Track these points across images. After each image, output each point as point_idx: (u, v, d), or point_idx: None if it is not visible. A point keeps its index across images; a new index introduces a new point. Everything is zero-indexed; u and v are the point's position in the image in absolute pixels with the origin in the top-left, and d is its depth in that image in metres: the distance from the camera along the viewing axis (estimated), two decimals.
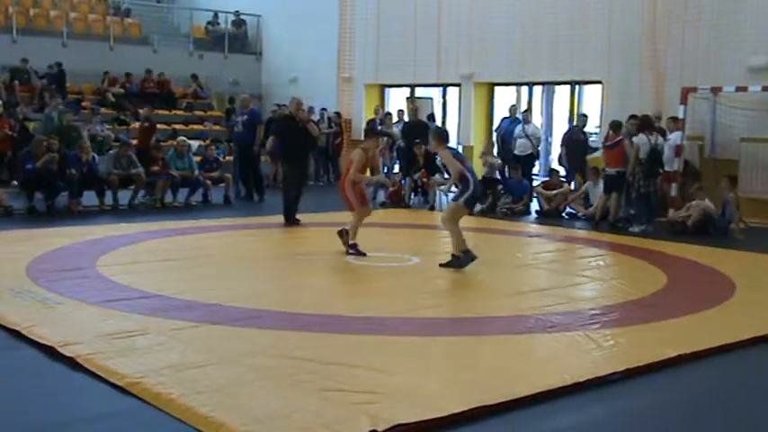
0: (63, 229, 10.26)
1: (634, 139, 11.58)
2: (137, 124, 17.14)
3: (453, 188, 8.44)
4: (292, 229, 10.98)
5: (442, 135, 8.49)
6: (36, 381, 4.67)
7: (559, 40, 15.57)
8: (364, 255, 8.66)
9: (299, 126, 11.29)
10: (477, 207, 11.79)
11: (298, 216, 11.29)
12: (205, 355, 4.95)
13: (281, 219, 11.22)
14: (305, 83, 20.35)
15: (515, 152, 14.90)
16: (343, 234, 8.91)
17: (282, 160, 11.85)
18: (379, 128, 15.82)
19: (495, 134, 16.17)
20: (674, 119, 12.76)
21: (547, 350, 5.40)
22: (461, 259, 8.09)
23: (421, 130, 14.87)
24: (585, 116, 15.00)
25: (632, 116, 12.53)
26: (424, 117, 16.06)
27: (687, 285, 7.76)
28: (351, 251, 8.73)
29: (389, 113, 17.05)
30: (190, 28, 22.55)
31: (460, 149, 16.43)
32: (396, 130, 16.30)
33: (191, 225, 10.91)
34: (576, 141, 14.35)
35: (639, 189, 11.41)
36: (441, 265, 8.15)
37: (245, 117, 14.45)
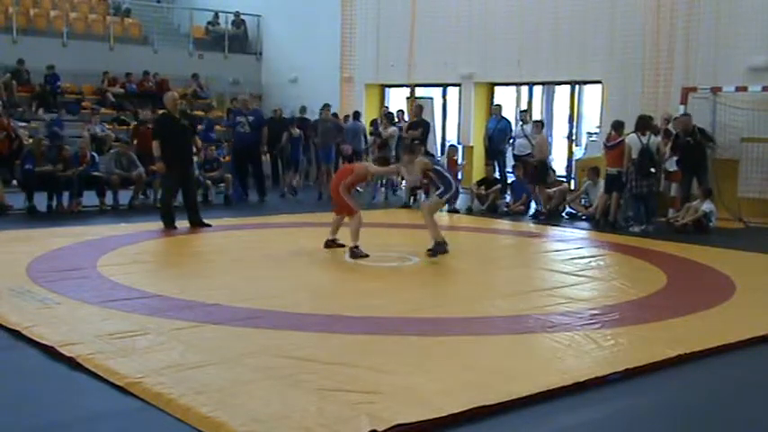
0: (63, 229, 10.26)
1: (625, 139, 11.59)
2: (134, 124, 17.06)
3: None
4: (291, 229, 10.96)
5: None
6: (36, 381, 4.67)
7: (559, 40, 15.58)
8: (367, 256, 8.54)
9: (178, 125, 10.48)
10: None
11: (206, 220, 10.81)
12: (205, 355, 4.95)
13: (282, 219, 11.20)
14: (305, 83, 20.39)
15: (514, 152, 14.90)
16: (329, 245, 9.09)
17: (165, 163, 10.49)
18: (379, 129, 15.82)
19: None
20: (686, 116, 12.44)
21: (547, 350, 5.39)
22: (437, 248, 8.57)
23: (423, 129, 14.85)
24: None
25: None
26: (427, 116, 16.00)
27: (687, 285, 7.75)
28: (355, 254, 8.54)
29: (389, 114, 17.04)
30: (190, 28, 22.56)
31: (460, 149, 16.63)
32: (394, 129, 16.27)
33: None
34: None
35: (633, 189, 11.43)
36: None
37: (252, 118, 14.46)
